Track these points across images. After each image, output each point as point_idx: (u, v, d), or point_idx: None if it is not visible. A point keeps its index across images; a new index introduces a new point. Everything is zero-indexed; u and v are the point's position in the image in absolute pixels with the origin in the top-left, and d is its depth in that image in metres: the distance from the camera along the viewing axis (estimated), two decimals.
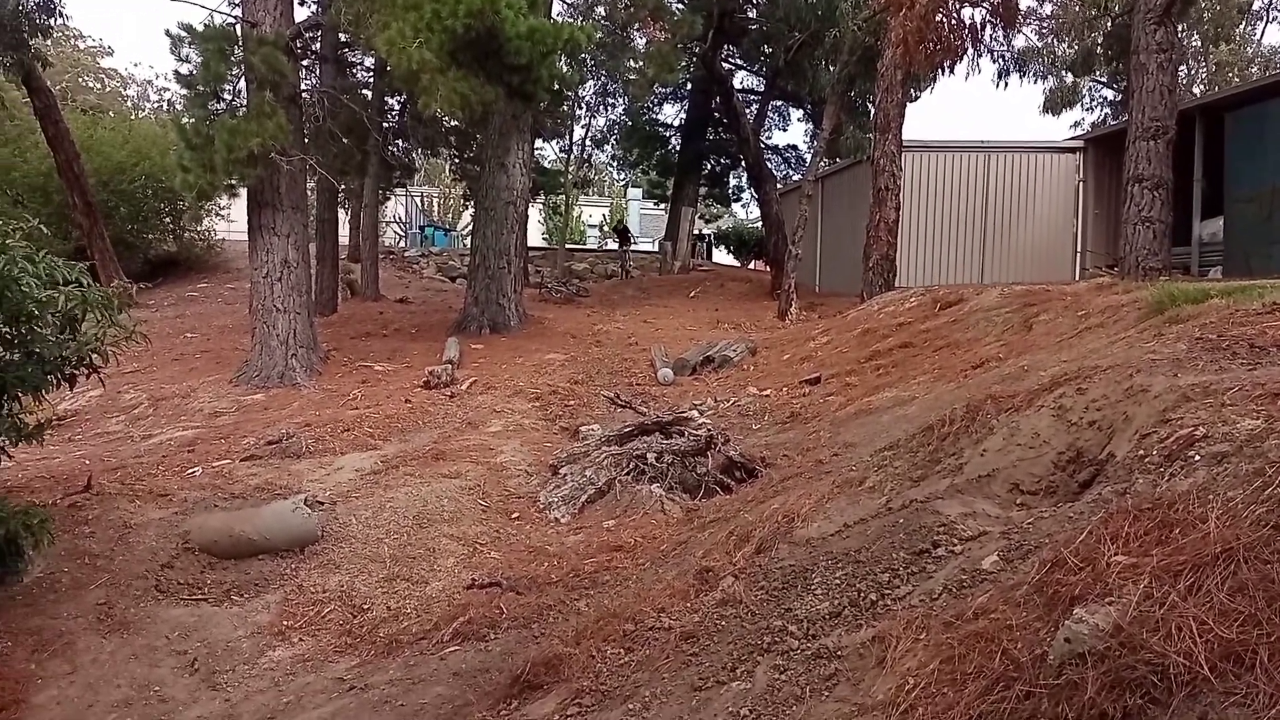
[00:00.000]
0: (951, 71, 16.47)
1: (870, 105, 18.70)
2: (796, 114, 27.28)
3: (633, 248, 22.05)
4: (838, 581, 3.64)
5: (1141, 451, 3.33)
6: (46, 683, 5.21)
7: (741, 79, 26.46)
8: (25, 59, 16.59)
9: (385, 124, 19.41)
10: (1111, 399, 3.94)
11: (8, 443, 6.15)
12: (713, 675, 3.42)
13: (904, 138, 15.20)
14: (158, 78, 50.98)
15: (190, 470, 8.06)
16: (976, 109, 76.89)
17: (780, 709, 3.01)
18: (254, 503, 7.17)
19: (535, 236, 28.00)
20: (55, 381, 6.37)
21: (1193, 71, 27.80)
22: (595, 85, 25.93)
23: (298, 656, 5.37)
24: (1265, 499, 2.50)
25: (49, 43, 19.79)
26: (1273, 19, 26.74)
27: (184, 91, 12.72)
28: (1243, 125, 12.90)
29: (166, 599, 6.01)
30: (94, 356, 6.39)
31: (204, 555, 6.42)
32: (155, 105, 35.59)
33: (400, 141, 21.41)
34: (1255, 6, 26.04)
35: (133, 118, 28.38)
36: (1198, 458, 3.02)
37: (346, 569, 6.28)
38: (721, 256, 33.44)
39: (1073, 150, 17.74)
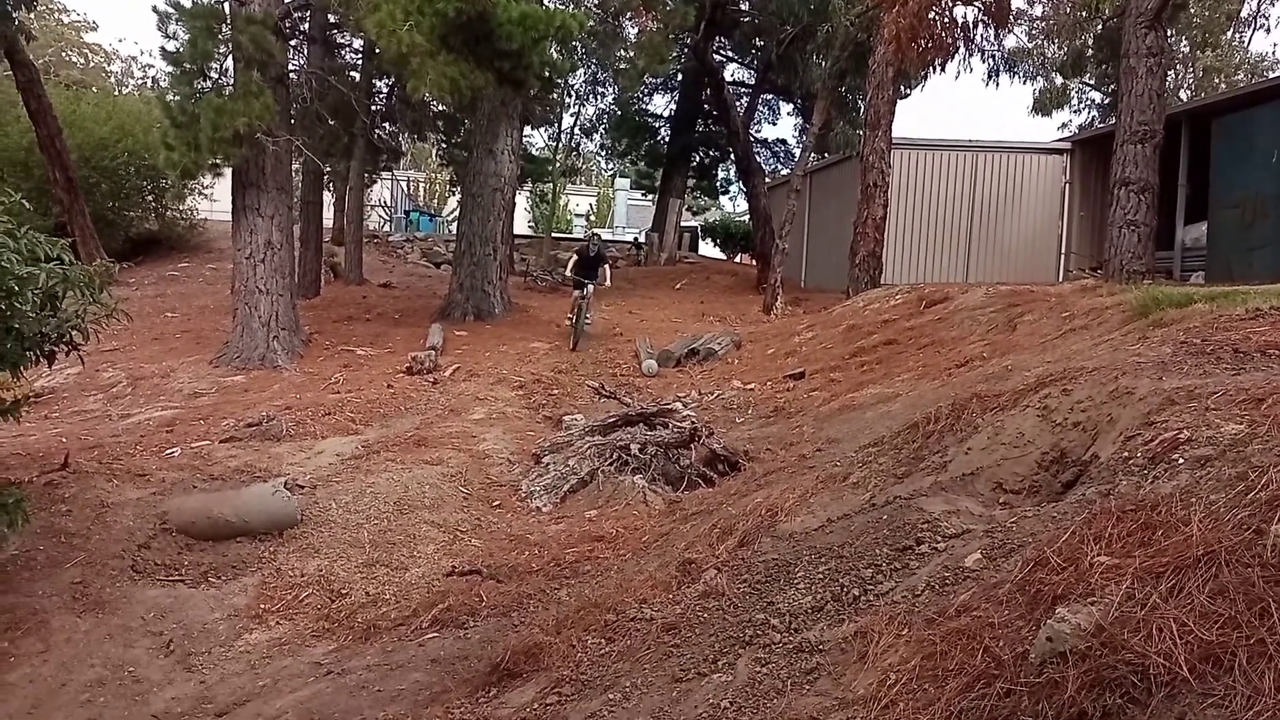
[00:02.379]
0: (943, 70, 16.50)
1: (861, 101, 18.69)
2: (787, 108, 27.23)
3: (596, 285, 15.14)
4: (820, 576, 3.65)
5: (1126, 453, 3.35)
6: (19, 661, 5.15)
7: (733, 71, 26.40)
8: (8, 31, 16.32)
9: (373, 107, 19.20)
10: (1096, 400, 3.97)
11: None
12: (694, 667, 3.42)
13: (894, 135, 15.22)
14: (143, 54, 50.54)
15: (169, 451, 7.99)
16: (966, 108, 77.20)
17: (761, 701, 3.01)
18: (233, 485, 7.12)
19: (521, 224, 27.83)
20: (34, 358, 6.28)
21: (1180, 77, 27.97)
22: (586, 74, 25.77)
23: (274, 640, 5.34)
24: (1247, 503, 2.52)
25: (32, 16, 19.44)
26: (1260, 26, 26.89)
27: (170, 69, 12.56)
28: (1228, 131, 13.00)
29: (143, 579, 5.96)
30: (74, 334, 6.30)
31: (182, 536, 6.37)
32: (140, 82, 35.16)
33: (387, 125, 21.20)
34: (1243, 13, 26.20)
35: (116, 94, 27.99)
36: (1181, 461, 3.04)
37: (326, 553, 6.24)
38: (708, 249, 33.41)
39: (1060, 152, 17.82)
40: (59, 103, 18.60)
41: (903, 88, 17.26)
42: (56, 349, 6.32)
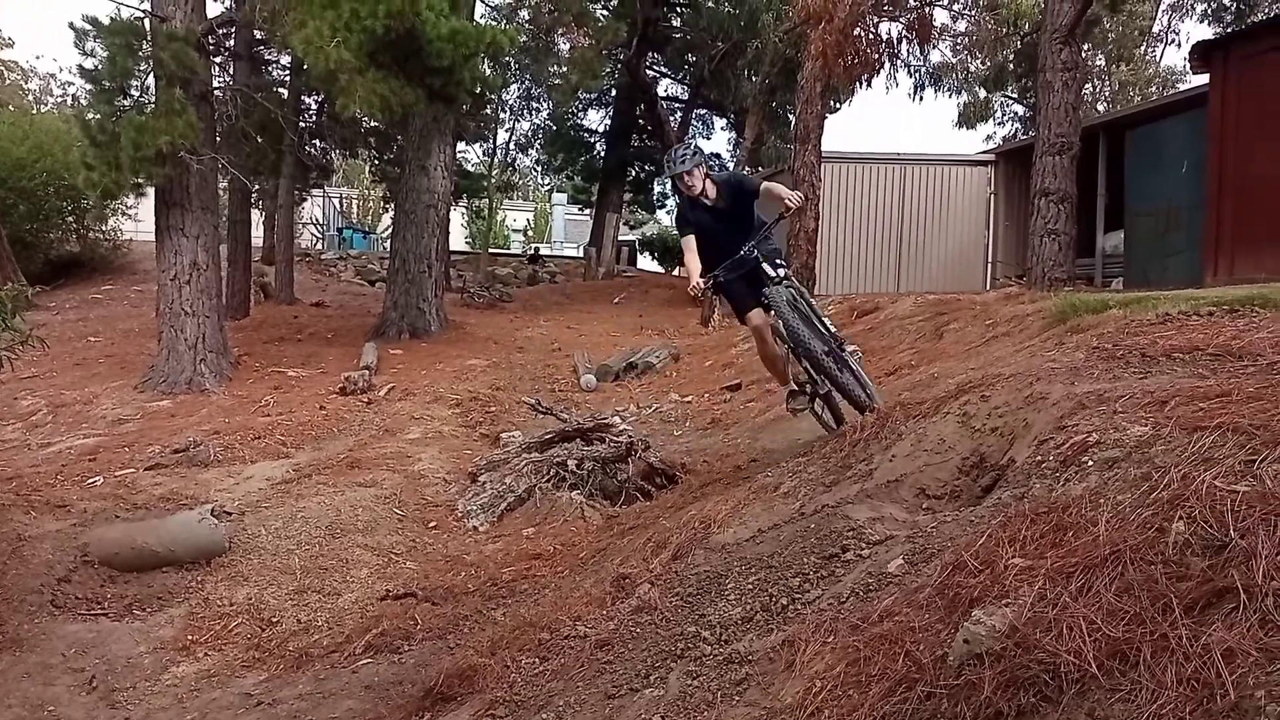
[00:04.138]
0: (869, 85, 16.88)
1: (791, 116, 19.01)
2: (720, 123, 27.63)
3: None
4: (750, 587, 3.68)
5: (1039, 457, 3.45)
6: None
7: (666, 87, 26.69)
8: None
9: (302, 123, 18.88)
10: (1013, 406, 4.08)
11: None
12: (626, 683, 3.42)
13: (823, 149, 15.50)
14: (61, 71, 48.90)
15: (91, 480, 7.73)
16: (894, 122, 78.94)
17: (692, 714, 3.02)
18: (158, 513, 6.91)
19: (458, 240, 27.62)
20: None
21: (1097, 90, 29.00)
22: (519, 89, 25.83)
23: (203, 672, 5.19)
24: (1151, 502, 2.61)
25: None
26: (1171, 41, 28.06)
27: (89, 87, 12.26)
28: (1142, 143, 13.51)
29: (63, 614, 5.74)
30: None
31: (104, 568, 6.15)
32: (59, 100, 33.98)
33: (317, 141, 20.86)
34: (1155, 30, 27.36)
35: (34, 112, 27.07)
36: (1090, 463, 3.14)
37: (255, 581, 6.09)
38: (646, 263, 33.55)
39: (985, 163, 18.32)
40: None
41: (832, 102, 17.59)
42: None
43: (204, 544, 6.34)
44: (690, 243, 5.55)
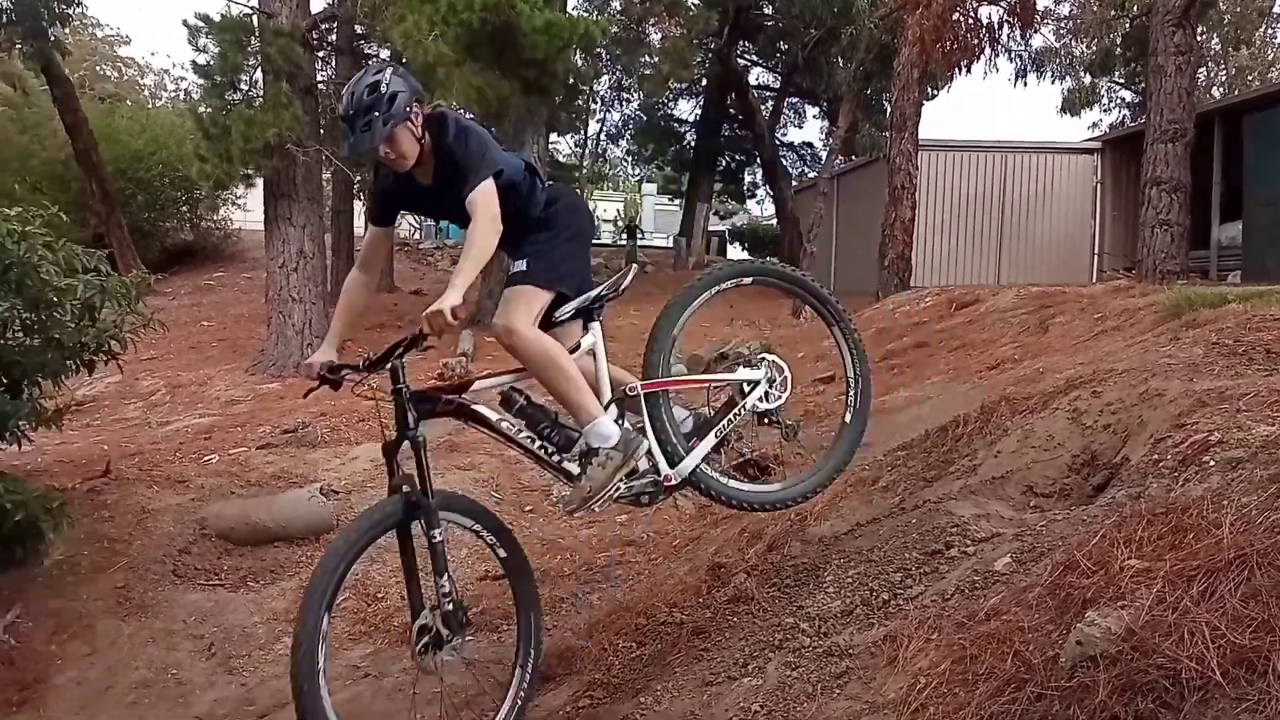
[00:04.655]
0: (968, 71, 16.41)
1: (887, 103, 18.64)
2: (812, 111, 27.31)
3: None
4: (850, 580, 3.67)
5: (1156, 456, 3.34)
6: (67, 664, 5.28)
7: (757, 75, 26.47)
8: (45, 48, 16.74)
9: None
10: (1127, 403, 3.95)
11: (28, 427, 6.21)
12: (724, 671, 3.45)
13: (920, 136, 15.16)
14: (174, 66, 51.39)
15: (207, 457, 8.15)
16: (994, 108, 76.55)
17: (791, 705, 3.04)
18: (270, 491, 7.24)
19: None
20: (74, 368, 6.47)
21: (1212, 74, 27.59)
22: (611, 80, 25.96)
23: None
24: None
25: (67, 31, 19.86)
26: None
27: (201, 81, 12.84)
28: (1261, 128, 12.82)
29: (184, 584, 6.07)
30: (112, 343, 6.46)
31: (221, 541, 6.48)
32: (172, 94, 35.72)
33: None
34: (1276, 9, 25.83)
35: (150, 106, 28.54)
36: (1212, 463, 3.03)
37: (361, 558, 6.32)
38: (736, 253, 33.39)
39: (1090, 151, 17.66)
40: (94, 116, 18.99)
41: (929, 89, 17.17)
42: (95, 358, 6.49)
43: (313, 521, 6.63)
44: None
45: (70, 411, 7.49)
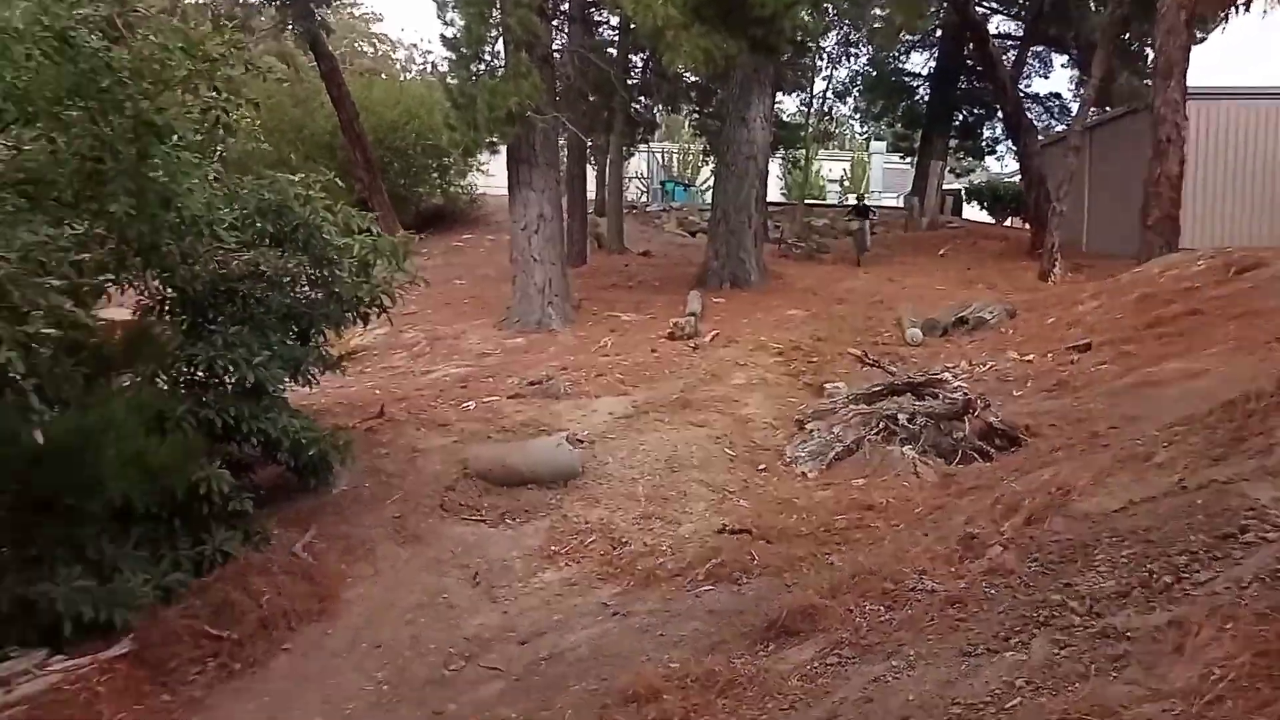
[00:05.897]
0: (1246, 9, 14.44)
1: (1147, 49, 16.82)
2: (1060, 60, 24.99)
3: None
4: (1124, 560, 3.46)
5: None
6: (354, 582, 5.98)
7: (998, 24, 24.61)
8: (312, 27, 18.49)
9: (630, 81, 19.80)
10: None
11: (316, 371, 7.02)
12: (983, 643, 3.38)
13: (1189, 84, 13.57)
14: (422, 41, 55.05)
15: (465, 404, 8.86)
16: (1273, 52, 66.75)
17: (1060, 683, 2.93)
18: (522, 437, 7.79)
19: (773, 192, 27.71)
20: (352, 319, 7.25)
21: None
22: (838, 35, 25.08)
23: (564, 580, 5.82)
24: None
25: (330, 11, 21.65)
26: None
27: (448, 54, 13.59)
28: None
29: (450, 517, 6.69)
30: (384, 298, 7.16)
31: (480, 481, 7.06)
32: (420, 67, 38.31)
33: (643, 98, 21.80)
34: None
35: (402, 79, 30.72)
36: None
37: (605, 504, 6.69)
38: (973, 213, 31.51)
39: None
40: (355, 89, 20.69)
41: (1197, 32, 15.27)
42: (369, 311, 7.23)
43: (562, 467, 7.07)
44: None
45: (349, 359, 8.35)
